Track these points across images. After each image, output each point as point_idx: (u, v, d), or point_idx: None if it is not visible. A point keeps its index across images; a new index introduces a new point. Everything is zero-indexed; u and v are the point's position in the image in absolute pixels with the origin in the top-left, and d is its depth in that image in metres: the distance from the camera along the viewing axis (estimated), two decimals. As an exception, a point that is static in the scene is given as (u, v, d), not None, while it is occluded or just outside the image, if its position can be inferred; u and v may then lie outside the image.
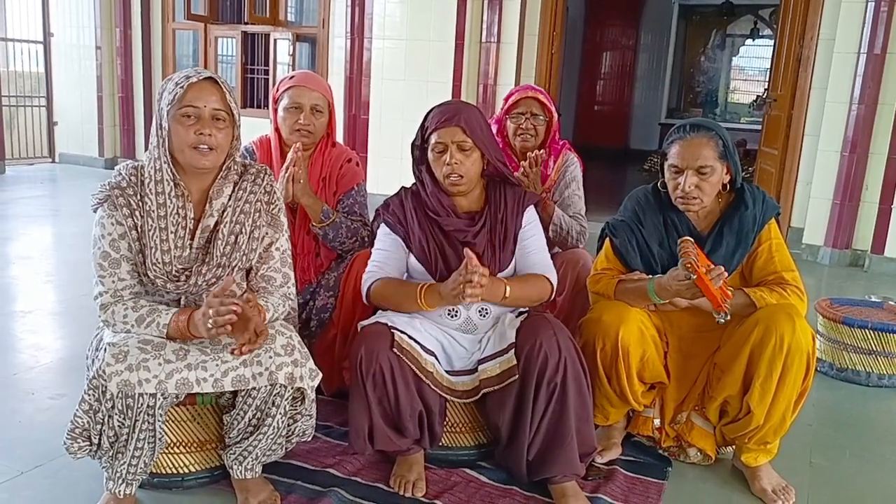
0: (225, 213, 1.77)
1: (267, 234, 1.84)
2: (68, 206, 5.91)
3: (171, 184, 1.72)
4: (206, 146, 1.68)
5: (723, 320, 1.83)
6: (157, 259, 1.71)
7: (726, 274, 1.84)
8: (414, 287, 1.94)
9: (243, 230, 1.78)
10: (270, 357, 1.68)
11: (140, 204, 1.71)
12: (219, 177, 1.77)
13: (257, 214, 1.81)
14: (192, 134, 1.67)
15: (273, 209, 1.85)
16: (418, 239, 2.02)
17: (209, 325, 1.58)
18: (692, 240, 1.90)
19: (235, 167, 1.81)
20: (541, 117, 2.56)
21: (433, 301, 1.91)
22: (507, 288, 1.93)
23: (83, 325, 3.02)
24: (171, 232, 1.72)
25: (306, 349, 1.76)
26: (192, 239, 1.76)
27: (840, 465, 2.25)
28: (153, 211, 1.71)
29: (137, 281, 1.74)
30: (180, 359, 1.65)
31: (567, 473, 1.89)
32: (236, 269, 1.78)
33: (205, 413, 1.89)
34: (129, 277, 1.73)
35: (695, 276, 1.78)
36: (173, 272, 1.73)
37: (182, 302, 1.78)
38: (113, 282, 1.72)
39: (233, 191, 1.79)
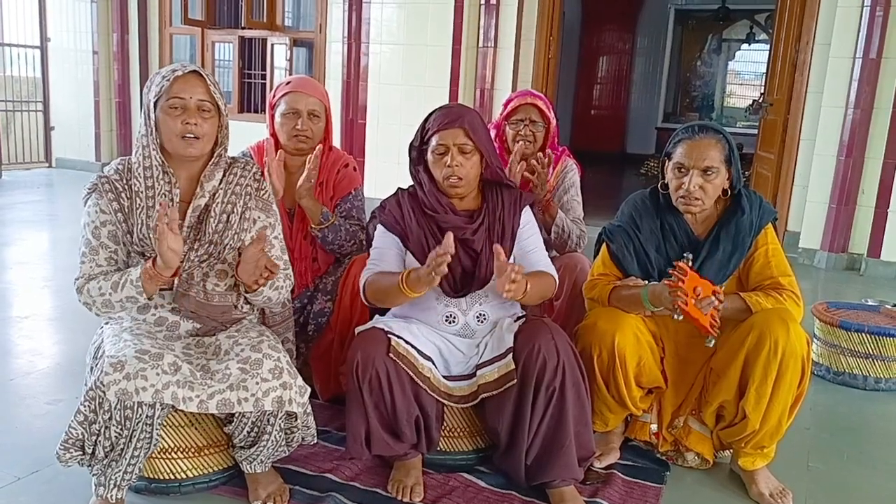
0: (216, 195, 1.84)
1: (259, 217, 1.91)
2: (65, 211, 5.90)
3: (160, 169, 1.79)
4: (192, 135, 1.75)
5: (710, 345, 1.85)
6: (143, 234, 1.77)
7: (716, 302, 1.83)
8: (396, 276, 1.88)
9: (235, 210, 1.85)
10: (257, 383, 1.70)
11: (126, 188, 1.79)
12: (210, 162, 1.84)
13: (248, 197, 1.89)
14: (180, 124, 1.75)
15: (263, 195, 1.93)
16: (416, 238, 2.02)
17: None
18: (686, 268, 1.81)
19: (226, 155, 1.88)
20: (540, 124, 2.56)
21: (413, 284, 1.83)
22: (528, 284, 1.87)
23: (80, 330, 3.01)
24: (159, 210, 1.77)
25: (294, 368, 1.81)
26: (182, 219, 1.81)
27: (837, 468, 2.25)
28: (141, 192, 1.78)
29: (115, 269, 1.80)
30: (173, 373, 1.67)
31: (565, 478, 1.89)
32: (227, 247, 1.83)
33: (202, 419, 1.89)
34: (107, 264, 1.80)
35: (681, 318, 1.79)
36: None
37: (175, 285, 1.82)
38: (90, 267, 1.79)
39: (223, 175, 1.87)
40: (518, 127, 2.56)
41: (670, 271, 1.83)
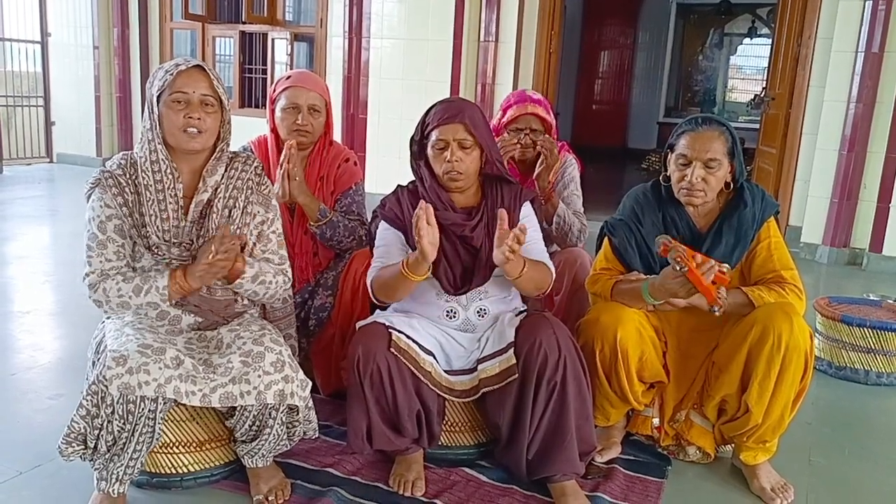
0: (218, 190, 1.85)
1: (259, 212, 1.91)
2: (66, 206, 5.90)
3: (166, 162, 1.79)
4: (195, 129, 1.76)
5: (718, 312, 1.84)
6: (158, 227, 1.78)
7: (717, 266, 1.81)
8: (398, 264, 1.88)
9: (237, 205, 1.86)
10: (259, 376, 1.71)
11: (131, 182, 1.79)
12: (213, 157, 1.85)
13: (249, 192, 1.89)
14: (182, 118, 1.75)
15: (264, 189, 1.93)
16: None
17: (209, 256, 1.68)
18: (669, 237, 1.87)
19: (228, 150, 1.89)
20: (540, 132, 2.54)
21: (415, 266, 1.83)
22: (525, 265, 1.88)
23: (81, 325, 3.01)
24: (169, 204, 1.80)
25: (296, 362, 1.81)
26: (185, 214, 1.83)
27: (839, 463, 2.25)
28: (150, 186, 1.78)
29: (125, 263, 1.81)
30: (175, 367, 1.67)
31: (567, 472, 1.89)
32: None
33: (204, 413, 1.89)
34: (116, 258, 1.80)
35: (685, 269, 1.78)
36: (173, 241, 1.80)
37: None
38: (100, 262, 1.79)
39: (225, 170, 1.87)
40: (518, 136, 2.53)
41: (655, 239, 1.85)
